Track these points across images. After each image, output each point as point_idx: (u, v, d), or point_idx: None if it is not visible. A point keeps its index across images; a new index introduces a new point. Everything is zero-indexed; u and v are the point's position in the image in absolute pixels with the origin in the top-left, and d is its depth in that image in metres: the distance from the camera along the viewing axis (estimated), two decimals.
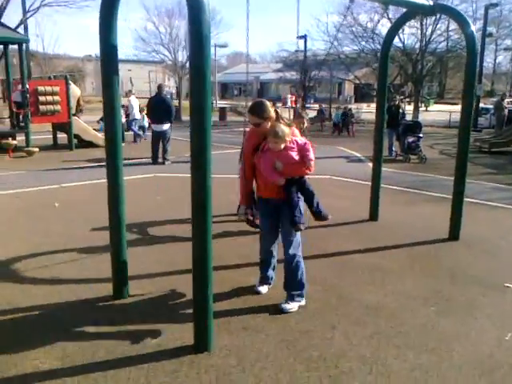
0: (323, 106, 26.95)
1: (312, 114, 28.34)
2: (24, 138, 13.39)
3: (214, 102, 37.59)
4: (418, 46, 24.67)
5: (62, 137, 14.83)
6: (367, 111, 28.16)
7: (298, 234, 3.99)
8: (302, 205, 3.94)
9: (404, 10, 6.46)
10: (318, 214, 4.04)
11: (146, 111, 12.66)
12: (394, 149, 13.50)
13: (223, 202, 6.21)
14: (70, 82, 13.68)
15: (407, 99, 27.69)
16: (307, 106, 32.70)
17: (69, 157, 12.77)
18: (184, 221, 6.25)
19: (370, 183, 8.76)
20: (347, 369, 3.18)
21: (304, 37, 29.92)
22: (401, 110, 13.63)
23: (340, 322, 3.80)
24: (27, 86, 12.33)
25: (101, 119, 18.15)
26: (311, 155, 3.86)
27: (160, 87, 11.12)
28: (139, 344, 3.43)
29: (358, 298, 4.24)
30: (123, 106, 16.58)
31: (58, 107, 13.06)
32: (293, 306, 3.99)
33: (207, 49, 2.95)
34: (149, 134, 14.49)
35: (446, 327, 3.76)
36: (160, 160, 11.56)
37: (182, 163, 11.23)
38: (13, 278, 4.59)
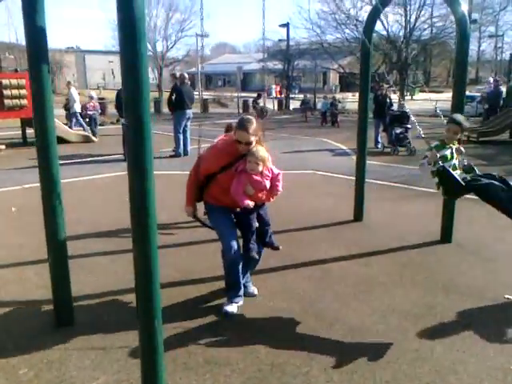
0: (307, 96, 26.31)
1: (296, 104, 27.88)
2: None
3: (199, 93, 36.87)
4: (402, 33, 24.15)
5: (31, 132, 14.07)
6: (352, 101, 27.63)
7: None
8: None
9: None
10: (269, 245, 3.94)
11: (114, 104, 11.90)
12: (380, 140, 12.98)
13: None
14: None
15: (392, 88, 27.17)
16: (292, 96, 32.13)
17: (33, 154, 12.02)
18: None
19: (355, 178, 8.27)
20: None
21: (287, 25, 29.23)
22: (388, 100, 13.04)
23: (319, 351, 3.26)
24: None
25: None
26: (280, 187, 3.84)
27: (183, 77, 10.58)
28: None
29: (341, 318, 3.70)
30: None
31: (25, 101, 12.28)
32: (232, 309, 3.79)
33: (140, 33, 2.34)
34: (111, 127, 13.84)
35: (441, 354, 3.24)
36: None
37: (160, 159, 10.63)
38: None
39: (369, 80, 5.97)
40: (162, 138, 13.91)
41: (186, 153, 11.25)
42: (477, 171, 4.01)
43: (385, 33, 23.65)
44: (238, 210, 3.77)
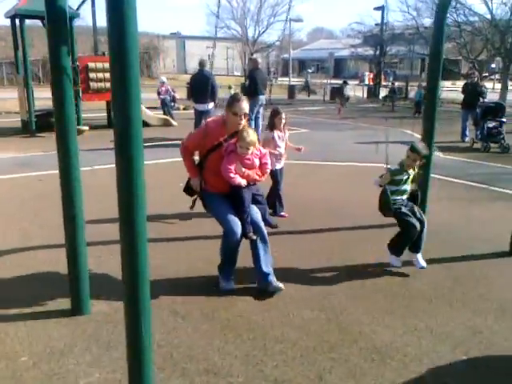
0: (396, 84, 24.96)
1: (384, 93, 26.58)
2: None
3: (288, 79, 36.56)
4: (508, 16, 21.94)
5: None
6: (449, 89, 25.82)
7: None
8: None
9: None
10: (266, 224, 3.94)
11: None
12: (467, 134, 11.90)
13: None
14: None
15: (491, 76, 25.01)
16: (385, 84, 30.70)
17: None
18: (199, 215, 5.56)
19: (432, 174, 7.69)
20: None
21: (382, 8, 27.85)
22: (480, 89, 11.82)
23: (332, 372, 2.92)
24: (77, 63, 12.11)
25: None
26: (269, 165, 4.00)
27: (202, 63, 10.39)
28: None
29: (367, 334, 3.32)
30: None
31: (110, 84, 12.73)
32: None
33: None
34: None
35: None
36: None
37: None
38: None
39: (440, 62, 5.32)
40: None
41: None
42: (419, 200, 4.48)
43: (489, 16, 21.61)
44: (231, 190, 3.81)
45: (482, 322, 3.51)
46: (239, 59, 42.65)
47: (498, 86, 23.93)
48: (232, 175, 3.72)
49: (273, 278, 3.83)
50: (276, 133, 5.63)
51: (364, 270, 4.37)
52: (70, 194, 3.33)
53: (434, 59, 5.30)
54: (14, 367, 2.93)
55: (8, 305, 3.67)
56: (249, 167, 3.81)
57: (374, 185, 4.34)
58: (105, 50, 18.63)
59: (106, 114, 14.84)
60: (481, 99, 11.65)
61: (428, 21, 25.22)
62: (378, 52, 27.64)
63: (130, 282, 2.46)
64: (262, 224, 3.87)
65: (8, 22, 12.93)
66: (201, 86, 10.18)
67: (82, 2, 13.36)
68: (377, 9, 28.15)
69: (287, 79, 37.30)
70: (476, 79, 12.05)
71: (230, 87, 20.05)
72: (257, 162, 3.87)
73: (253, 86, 10.52)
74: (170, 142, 11.31)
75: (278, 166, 5.74)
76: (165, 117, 14.29)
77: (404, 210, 4.26)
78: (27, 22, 13.32)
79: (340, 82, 24.17)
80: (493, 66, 27.09)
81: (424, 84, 23.42)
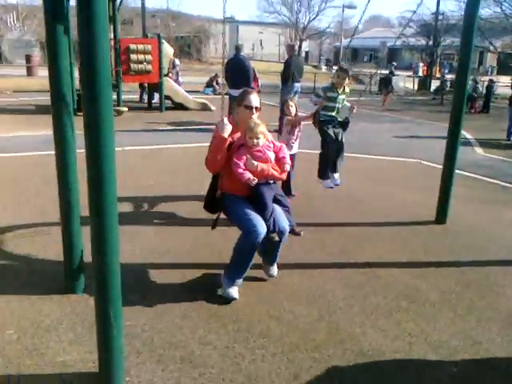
0: (447, 77, 23.97)
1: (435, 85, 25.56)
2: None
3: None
4: None
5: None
6: (506, 85, 24.55)
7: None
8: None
9: None
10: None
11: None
12: None
13: None
14: (163, 40, 13.40)
15: None
16: (438, 76, 29.54)
17: (155, 118, 12.62)
18: None
19: (468, 173, 7.37)
20: None
21: None
22: None
23: (309, 372, 2.81)
24: (119, 44, 12.26)
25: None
26: (288, 159, 3.64)
27: (238, 48, 10.28)
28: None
29: (356, 337, 3.18)
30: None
31: (150, 67, 12.88)
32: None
33: None
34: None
35: None
36: None
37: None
38: None
39: (470, 55, 5.01)
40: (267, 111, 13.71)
41: None
42: (344, 129, 5.48)
43: None
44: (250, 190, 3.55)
45: (483, 333, 3.29)
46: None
47: None
48: (241, 170, 3.45)
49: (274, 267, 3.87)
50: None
51: (370, 269, 4.20)
52: (66, 178, 3.33)
53: (464, 52, 5.00)
54: None
55: (6, 278, 3.76)
56: (261, 160, 3.52)
57: (309, 102, 5.41)
58: (158, 32, 19.03)
59: (146, 96, 15.06)
60: None
61: (484, 12, 24.08)
62: (430, 42, 26.54)
63: (99, 269, 2.45)
64: (287, 227, 3.51)
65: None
66: (235, 71, 10.08)
67: None
68: None
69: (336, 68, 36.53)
70: None
71: None
72: (271, 155, 3.58)
73: (288, 72, 10.33)
74: (205, 127, 11.33)
75: (291, 152, 5.59)
76: (203, 101, 14.31)
77: (329, 130, 5.27)
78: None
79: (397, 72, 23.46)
80: None
81: (479, 78, 22.51)
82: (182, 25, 41.35)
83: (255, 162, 3.46)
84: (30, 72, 23.20)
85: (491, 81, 19.01)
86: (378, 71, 28.51)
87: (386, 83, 20.46)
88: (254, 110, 3.54)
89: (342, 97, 5.32)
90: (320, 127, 5.31)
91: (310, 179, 6.11)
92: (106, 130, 2.24)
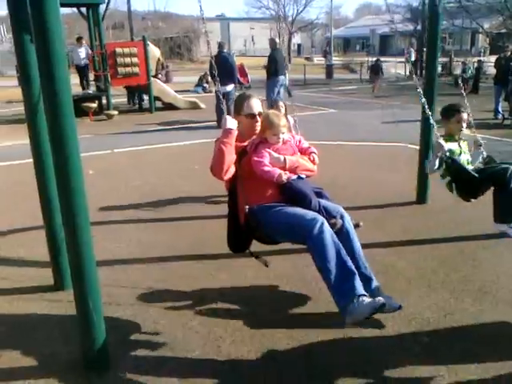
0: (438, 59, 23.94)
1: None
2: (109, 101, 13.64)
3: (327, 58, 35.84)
4: None
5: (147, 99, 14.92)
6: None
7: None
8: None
9: None
10: None
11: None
12: (500, 110, 11.40)
13: None
14: (149, 42, 13.52)
15: None
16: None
17: (145, 119, 12.77)
18: (210, 198, 5.70)
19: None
20: None
21: None
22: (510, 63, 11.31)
23: (286, 349, 2.95)
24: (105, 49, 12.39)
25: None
26: (313, 148, 3.29)
27: (221, 45, 10.39)
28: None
29: (334, 315, 3.28)
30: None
31: (137, 69, 13.01)
32: None
33: None
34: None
35: (429, 369, 2.73)
36: None
37: None
38: None
39: (437, 35, 5.13)
40: None
41: None
42: (496, 161, 3.44)
43: None
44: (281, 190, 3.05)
45: (457, 304, 3.42)
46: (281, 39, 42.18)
47: None
48: (267, 168, 2.97)
49: (378, 286, 3.00)
50: None
51: None
52: (43, 180, 3.45)
53: (431, 33, 5.13)
54: None
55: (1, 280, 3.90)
56: (287, 154, 3.11)
57: (429, 171, 3.62)
58: (149, 34, 19.20)
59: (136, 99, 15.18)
60: None
61: None
62: (419, 27, 26.59)
63: (75, 263, 2.58)
64: (341, 209, 3.07)
65: None
66: (220, 68, 10.17)
67: None
68: None
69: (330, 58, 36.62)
70: (510, 53, 11.44)
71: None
72: (294, 146, 3.23)
73: (273, 66, 10.45)
74: (196, 125, 11.46)
75: None
76: (193, 100, 14.42)
77: (484, 166, 3.55)
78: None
79: (389, 59, 23.54)
80: None
81: (470, 59, 22.56)
82: (171, 25, 41.42)
83: (281, 156, 3.04)
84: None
85: (479, 61, 19.08)
86: (367, 59, 28.72)
87: (375, 70, 20.52)
88: (258, 117, 3.14)
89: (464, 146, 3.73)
90: (480, 177, 3.45)
91: None
92: (67, 126, 2.35)
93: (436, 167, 3.46)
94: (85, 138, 10.20)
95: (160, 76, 15.11)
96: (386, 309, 2.62)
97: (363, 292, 2.61)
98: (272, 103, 5.62)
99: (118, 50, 12.66)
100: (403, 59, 32.84)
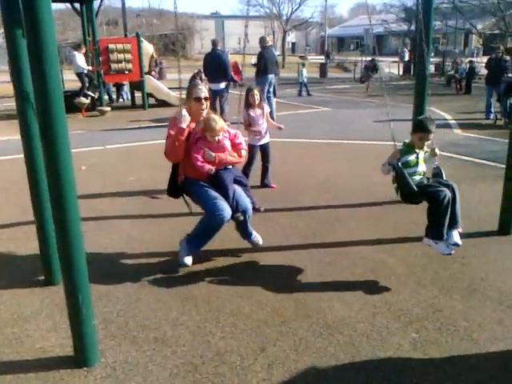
0: (431, 60, 24.08)
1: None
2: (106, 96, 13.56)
3: (325, 58, 35.88)
4: None
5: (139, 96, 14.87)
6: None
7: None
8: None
9: None
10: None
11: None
12: (492, 111, 11.47)
13: None
14: (143, 39, 13.47)
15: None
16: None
17: (138, 116, 12.71)
18: None
19: (443, 153, 7.57)
20: None
21: None
22: (504, 64, 11.39)
23: (276, 344, 2.96)
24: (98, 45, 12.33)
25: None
26: (243, 144, 3.95)
27: (214, 43, 10.38)
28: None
29: (322, 311, 3.33)
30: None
31: (130, 66, 12.95)
32: None
33: None
34: None
35: (417, 364, 2.75)
36: None
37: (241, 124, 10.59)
38: None
39: (430, 36, 5.16)
40: None
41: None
42: (443, 175, 3.84)
43: None
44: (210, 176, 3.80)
45: (445, 301, 3.45)
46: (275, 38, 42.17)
47: None
48: (200, 164, 3.73)
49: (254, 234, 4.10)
50: (252, 111, 5.59)
51: (340, 248, 4.36)
52: (34, 175, 3.44)
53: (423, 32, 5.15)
54: None
55: None
56: (219, 150, 3.79)
57: (382, 170, 3.79)
58: (143, 31, 19.08)
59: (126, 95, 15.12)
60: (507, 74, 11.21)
61: None
62: (413, 27, 26.69)
63: (65, 257, 2.59)
64: (249, 205, 3.85)
65: None
66: (213, 66, 10.20)
67: None
68: None
69: (323, 58, 36.67)
70: (501, 54, 11.52)
71: (303, 64, 19.32)
72: (227, 143, 3.85)
73: (262, 64, 10.47)
74: None
75: (260, 143, 5.74)
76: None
77: (429, 183, 3.75)
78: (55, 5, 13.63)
79: (384, 59, 23.61)
80: None
81: (462, 59, 22.67)
82: (165, 22, 41.26)
83: (213, 154, 3.73)
84: None
85: (471, 62, 19.19)
86: (361, 58, 28.74)
87: (367, 70, 20.60)
88: (204, 100, 3.76)
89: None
90: (421, 192, 3.66)
91: (285, 165, 6.25)
92: (58, 122, 2.35)
93: (387, 173, 3.77)
94: (77, 134, 10.15)
95: (153, 73, 15.05)
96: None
97: (190, 256, 3.86)
98: (247, 90, 5.59)
99: (111, 46, 12.59)
100: (397, 59, 33.10)
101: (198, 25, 44.56)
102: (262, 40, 10.65)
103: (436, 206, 3.53)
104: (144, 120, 12.02)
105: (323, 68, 28.25)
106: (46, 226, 3.54)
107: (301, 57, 43.12)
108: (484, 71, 22.96)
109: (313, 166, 7.26)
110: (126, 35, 14.63)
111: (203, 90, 3.79)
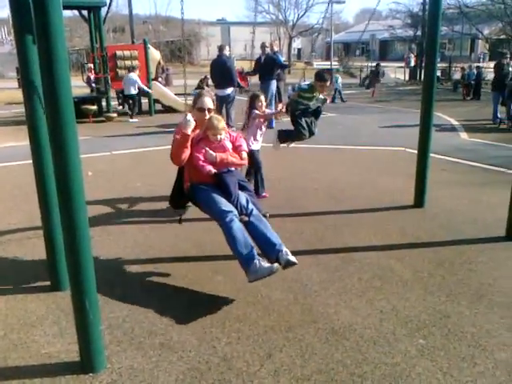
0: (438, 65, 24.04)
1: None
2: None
3: (330, 64, 35.87)
4: None
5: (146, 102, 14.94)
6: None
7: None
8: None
9: None
10: None
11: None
12: (499, 116, 11.43)
13: None
14: (150, 45, 13.54)
15: None
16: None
17: (144, 122, 12.77)
18: None
19: (450, 158, 7.53)
20: None
21: None
22: (511, 69, 11.37)
23: (282, 350, 2.95)
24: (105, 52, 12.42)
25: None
26: (244, 146, 3.97)
27: (221, 48, 10.40)
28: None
29: (329, 316, 3.31)
30: None
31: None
32: None
33: None
34: None
35: (424, 370, 2.73)
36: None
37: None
38: None
39: (437, 42, 5.15)
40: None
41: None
42: (317, 117, 5.47)
43: None
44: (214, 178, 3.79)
45: (453, 307, 3.43)
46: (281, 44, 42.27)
47: None
48: (201, 163, 3.74)
49: (284, 249, 3.43)
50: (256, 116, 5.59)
51: (347, 254, 4.34)
52: (42, 181, 3.45)
53: (430, 39, 5.15)
54: None
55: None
56: (219, 151, 3.80)
57: (287, 96, 5.81)
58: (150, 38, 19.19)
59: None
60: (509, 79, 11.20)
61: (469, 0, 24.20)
62: (418, 32, 26.66)
63: (73, 263, 2.59)
64: (252, 206, 3.69)
65: None
66: (219, 72, 10.22)
67: None
68: None
69: (329, 64, 36.68)
70: (508, 59, 11.48)
71: (338, 70, 19.13)
72: (228, 144, 3.88)
73: (263, 70, 10.56)
74: None
75: (255, 147, 5.67)
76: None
77: (302, 120, 5.31)
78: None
79: (389, 64, 23.59)
80: None
81: (469, 64, 22.61)
82: (172, 29, 41.50)
83: (213, 153, 3.73)
84: (21, 84, 23.35)
85: (478, 67, 19.13)
86: (367, 64, 28.76)
87: (373, 76, 20.61)
88: (207, 111, 3.84)
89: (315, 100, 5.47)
90: (293, 120, 5.42)
91: (291, 171, 6.25)
92: (68, 128, 2.36)
93: (289, 95, 5.64)
94: (84, 140, 10.22)
95: (160, 79, 15.12)
96: (284, 266, 3.38)
97: (259, 258, 3.38)
98: (253, 96, 5.58)
99: (119, 52, 12.68)
100: (402, 64, 33.09)
101: (205, 31, 44.75)
102: (264, 47, 10.79)
103: (295, 132, 5.46)
104: (150, 126, 12.07)
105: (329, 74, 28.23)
106: (54, 232, 3.55)
107: (306, 63, 43.21)
108: (490, 76, 23.09)
109: (319, 172, 7.25)
110: (133, 42, 14.72)
111: (207, 101, 3.84)
